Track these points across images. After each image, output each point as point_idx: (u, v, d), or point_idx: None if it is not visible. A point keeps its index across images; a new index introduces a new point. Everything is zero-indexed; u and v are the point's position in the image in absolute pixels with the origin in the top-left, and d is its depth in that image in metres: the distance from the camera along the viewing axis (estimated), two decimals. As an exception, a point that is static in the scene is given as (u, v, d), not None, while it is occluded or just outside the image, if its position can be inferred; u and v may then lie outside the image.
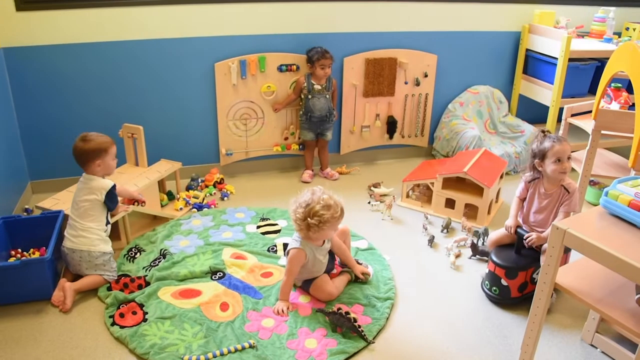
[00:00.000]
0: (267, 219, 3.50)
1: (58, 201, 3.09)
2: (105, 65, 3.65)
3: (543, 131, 2.76)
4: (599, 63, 4.23)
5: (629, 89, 2.86)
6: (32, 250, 2.92)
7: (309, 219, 2.50)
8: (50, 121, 3.65)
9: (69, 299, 2.63)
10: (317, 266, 2.70)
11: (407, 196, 3.83)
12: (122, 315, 2.56)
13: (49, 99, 3.61)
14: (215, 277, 2.89)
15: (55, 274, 2.76)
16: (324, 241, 2.69)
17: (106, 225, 2.85)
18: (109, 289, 2.76)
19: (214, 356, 2.33)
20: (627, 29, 4.65)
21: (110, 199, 2.83)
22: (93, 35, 3.55)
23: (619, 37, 4.51)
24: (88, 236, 2.75)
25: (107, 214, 2.87)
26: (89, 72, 3.63)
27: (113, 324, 2.52)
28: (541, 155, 2.69)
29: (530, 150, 2.79)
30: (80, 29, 3.51)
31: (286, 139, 4.22)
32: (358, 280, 2.85)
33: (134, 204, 3.15)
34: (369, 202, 3.78)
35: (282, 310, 2.60)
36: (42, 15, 3.41)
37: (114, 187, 2.84)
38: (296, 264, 2.62)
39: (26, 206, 3.53)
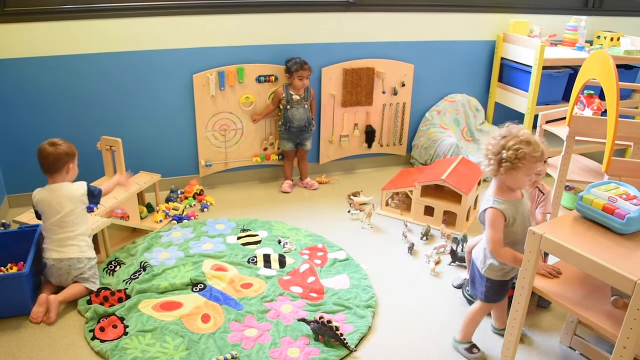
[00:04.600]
0: (247, 230, 3.50)
1: (35, 215, 3.06)
2: (82, 77, 3.62)
3: None
4: (572, 71, 4.30)
5: (601, 96, 2.92)
6: (9, 265, 2.87)
7: (503, 152, 2.17)
8: (28, 135, 3.60)
9: (54, 312, 2.61)
10: (523, 229, 2.25)
11: (387, 204, 3.86)
12: (102, 329, 2.54)
13: (26, 112, 3.58)
14: (196, 289, 2.87)
15: (34, 289, 2.72)
16: (522, 194, 2.33)
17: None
18: (89, 302, 2.73)
19: (196, 368, 2.32)
20: (599, 37, 4.74)
21: (92, 194, 2.83)
22: (71, 48, 3.53)
23: (591, 45, 4.60)
24: (77, 244, 2.74)
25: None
26: (66, 85, 3.60)
27: (93, 338, 2.49)
28: None
29: None
30: (58, 41, 3.49)
31: (265, 149, 4.23)
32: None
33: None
34: (348, 211, 3.79)
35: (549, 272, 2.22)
36: (19, 27, 3.38)
37: (88, 186, 2.84)
38: (499, 224, 2.23)
39: (3, 220, 3.49)
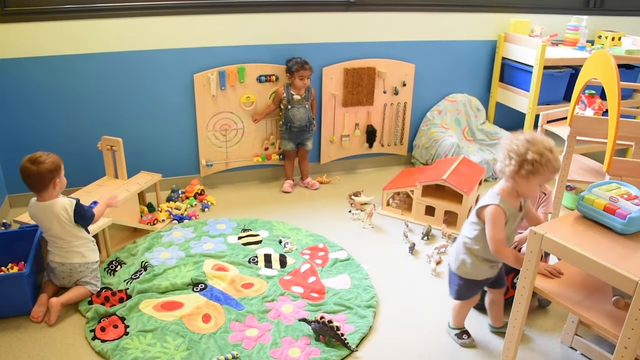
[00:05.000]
0: (248, 230, 3.49)
1: (36, 215, 3.06)
2: (83, 77, 3.62)
3: None
4: (573, 70, 4.30)
5: (602, 96, 2.92)
6: (10, 265, 2.87)
7: (529, 153, 2.09)
8: (29, 134, 3.61)
9: (55, 315, 2.60)
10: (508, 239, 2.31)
11: (388, 204, 3.86)
12: (103, 329, 2.53)
13: (27, 112, 3.58)
14: (196, 288, 2.87)
15: (35, 289, 2.72)
16: (520, 206, 2.29)
17: (88, 234, 2.82)
18: (90, 302, 2.73)
19: (197, 368, 2.32)
20: (600, 37, 4.74)
21: (81, 216, 2.71)
22: (72, 48, 3.53)
23: (592, 45, 4.60)
24: (78, 250, 2.73)
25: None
26: (67, 85, 3.60)
27: (94, 338, 2.49)
28: None
29: None
30: (59, 41, 3.49)
31: (266, 149, 4.23)
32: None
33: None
34: (349, 211, 3.79)
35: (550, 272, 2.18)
36: (19, 27, 3.38)
37: (78, 203, 2.71)
38: (501, 223, 2.21)
39: (4, 220, 3.48)
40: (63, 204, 2.67)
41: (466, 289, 2.45)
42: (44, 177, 2.61)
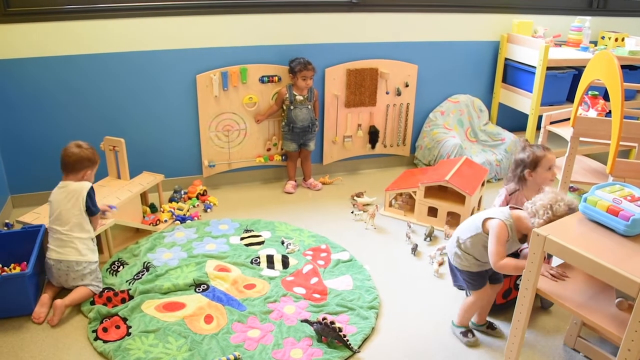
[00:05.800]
0: (250, 231, 3.49)
1: (39, 215, 3.06)
2: (86, 78, 3.63)
3: (527, 141, 2.81)
4: (576, 71, 4.30)
5: (606, 97, 2.91)
6: (12, 265, 2.87)
7: (562, 219, 2.14)
8: (31, 135, 3.61)
9: (58, 316, 2.61)
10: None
11: (390, 205, 3.85)
12: (105, 330, 2.53)
13: (29, 112, 3.58)
14: (199, 289, 2.87)
15: (37, 289, 2.73)
16: (520, 239, 2.35)
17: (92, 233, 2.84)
18: (92, 303, 2.73)
19: (199, 369, 2.32)
20: (603, 37, 4.73)
21: (91, 199, 2.81)
22: (74, 48, 3.53)
23: (595, 45, 4.59)
24: (76, 246, 2.73)
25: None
26: (70, 85, 3.61)
27: (96, 338, 2.49)
28: (533, 165, 2.71)
29: (515, 160, 2.80)
30: (61, 41, 3.49)
31: (269, 150, 4.23)
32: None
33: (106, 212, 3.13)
34: (352, 212, 3.79)
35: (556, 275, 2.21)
36: (22, 28, 3.38)
37: (92, 188, 2.82)
38: (503, 239, 2.29)
39: (6, 220, 3.49)
40: (82, 184, 2.81)
41: (473, 280, 2.48)
42: (80, 162, 2.82)
